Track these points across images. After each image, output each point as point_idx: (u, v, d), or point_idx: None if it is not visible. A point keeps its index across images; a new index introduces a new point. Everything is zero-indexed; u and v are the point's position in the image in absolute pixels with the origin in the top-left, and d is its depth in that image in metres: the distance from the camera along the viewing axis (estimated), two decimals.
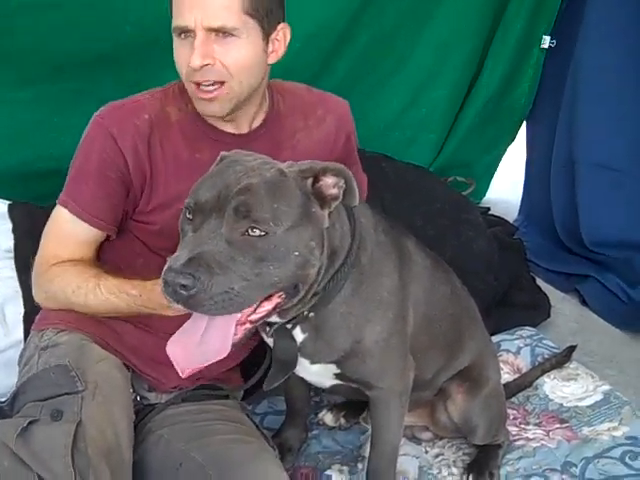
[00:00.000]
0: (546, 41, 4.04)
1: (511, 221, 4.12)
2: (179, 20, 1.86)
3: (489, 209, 4.09)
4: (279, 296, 1.60)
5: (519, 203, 4.44)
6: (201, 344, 1.57)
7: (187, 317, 1.64)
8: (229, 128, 2.03)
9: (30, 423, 1.73)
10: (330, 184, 1.61)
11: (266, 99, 2.09)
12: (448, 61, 4.04)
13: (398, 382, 1.97)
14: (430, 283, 2.05)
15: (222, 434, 1.94)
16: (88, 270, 1.97)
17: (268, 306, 1.61)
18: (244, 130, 2.05)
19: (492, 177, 4.58)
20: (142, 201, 2.00)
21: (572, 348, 2.89)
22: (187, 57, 1.86)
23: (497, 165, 4.55)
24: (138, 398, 2.07)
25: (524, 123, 4.38)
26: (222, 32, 1.84)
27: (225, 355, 1.57)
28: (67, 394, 1.81)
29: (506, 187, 4.66)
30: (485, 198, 4.52)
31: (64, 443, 1.69)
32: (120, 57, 3.03)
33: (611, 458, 2.35)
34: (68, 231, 2.00)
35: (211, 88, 1.89)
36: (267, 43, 1.94)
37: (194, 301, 1.46)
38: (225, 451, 1.86)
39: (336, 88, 3.59)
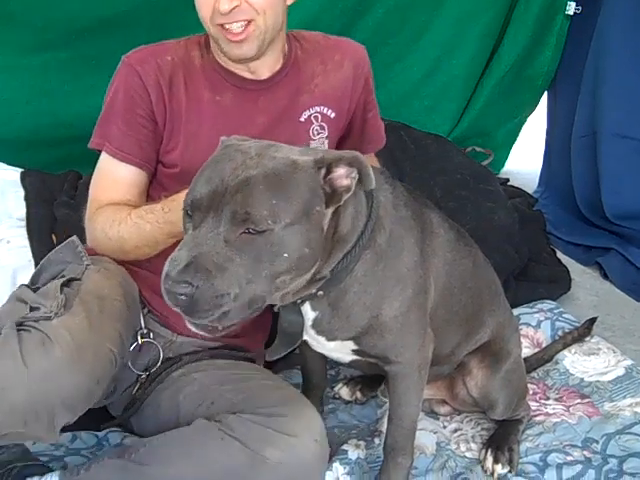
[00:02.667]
0: (571, 7, 3.97)
1: (530, 192, 4.05)
2: None
3: (508, 180, 4.04)
4: None
5: (539, 174, 4.36)
6: None
7: None
8: (249, 75, 2.06)
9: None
10: (343, 174, 1.54)
11: (284, 45, 2.09)
12: (469, 29, 4.00)
13: (417, 356, 1.92)
14: (452, 256, 2.00)
15: (259, 380, 1.96)
16: (124, 207, 2.00)
17: None
18: (264, 76, 2.07)
19: (512, 147, 4.52)
20: (165, 138, 2.03)
21: (593, 320, 2.84)
22: (210, 2, 1.88)
23: (517, 135, 4.50)
24: (151, 335, 2.07)
25: (545, 93, 4.29)
26: None
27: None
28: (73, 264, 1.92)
29: (526, 158, 4.57)
30: (504, 169, 4.46)
31: (57, 283, 1.82)
32: (132, 21, 2.99)
33: (633, 434, 2.29)
34: (107, 173, 2.05)
35: (239, 29, 1.91)
36: None
37: (192, 308, 1.43)
38: (260, 393, 1.88)
39: None
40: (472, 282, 2.09)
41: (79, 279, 1.86)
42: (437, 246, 1.93)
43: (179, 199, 1.76)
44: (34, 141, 3.15)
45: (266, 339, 2.28)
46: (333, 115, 2.15)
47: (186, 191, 1.59)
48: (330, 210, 1.56)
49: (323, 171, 1.53)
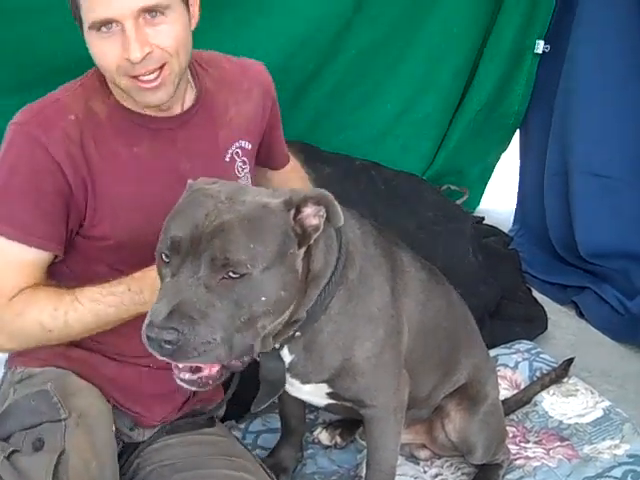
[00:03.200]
0: (540, 46, 3.99)
1: (506, 231, 4.07)
2: (100, 11, 1.63)
3: (483, 218, 4.04)
4: None
5: (513, 213, 4.38)
6: None
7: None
8: (161, 113, 1.86)
9: (12, 452, 1.68)
10: (311, 213, 1.53)
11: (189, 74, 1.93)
12: (441, 68, 4.00)
13: (392, 399, 1.91)
14: (425, 296, 1.99)
15: (217, 468, 1.89)
16: (56, 289, 1.77)
17: None
18: (176, 111, 1.89)
19: (486, 185, 4.53)
20: (88, 212, 1.80)
21: (570, 361, 2.84)
22: (117, 51, 1.67)
23: (491, 173, 4.50)
24: (121, 438, 1.96)
25: (517, 131, 4.33)
26: (151, 12, 1.66)
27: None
28: (49, 422, 1.74)
29: (500, 196, 4.59)
30: (479, 207, 4.46)
31: (44, 473, 1.64)
32: None
33: (613, 478, 2.30)
34: (12, 258, 1.75)
35: (153, 76, 1.71)
36: (188, 10, 1.79)
37: (179, 354, 1.41)
38: None
39: (328, 94, 3.63)
40: (447, 322, 2.09)
41: (62, 451, 1.68)
42: (409, 285, 1.92)
43: (150, 277, 1.69)
44: None
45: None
46: (250, 146, 2.06)
47: (151, 268, 1.59)
48: (302, 250, 1.55)
49: (292, 212, 1.52)
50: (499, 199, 4.59)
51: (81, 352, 1.92)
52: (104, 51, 1.69)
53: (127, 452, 1.96)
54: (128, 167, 1.82)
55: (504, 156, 4.45)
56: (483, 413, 2.19)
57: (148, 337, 1.41)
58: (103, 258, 1.85)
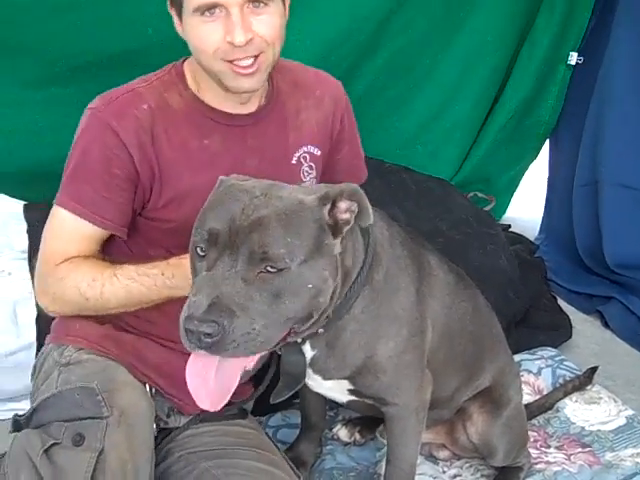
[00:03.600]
0: (573, 57, 3.97)
1: (531, 239, 4.05)
2: None
3: (510, 226, 4.03)
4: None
5: (540, 222, 4.36)
6: (217, 379, 1.53)
7: None
8: (235, 109, 1.93)
9: (52, 445, 1.72)
10: (343, 209, 1.55)
11: None
12: (473, 75, 4.00)
13: (414, 398, 1.91)
14: (451, 299, 1.99)
15: (245, 459, 1.90)
16: (101, 262, 1.87)
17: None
18: (252, 109, 1.95)
19: (513, 194, 4.51)
20: (153, 197, 1.88)
21: (594, 369, 2.82)
22: (219, 35, 1.74)
23: (518, 182, 4.48)
24: (157, 423, 1.98)
25: (547, 141, 4.31)
26: (255, 3, 1.74)
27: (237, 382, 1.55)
28: (90, 418, 1.77)
29: (527, 205, 4.57)
30: (505, 216, 4.45)
31: (83, 473, 1.68)
32: (140, 60, 2.98)
33: None
34: (72, 230, 1.86)
35: (249, 62, 1.77)
36: (284, 5, 1.86)
37: (218, 347, 1.42)
38: (249, 479, 1.83)
39: (360, 98, 3.62)
40: (472, 326, 2.08)
41: (102, 450, 1.72)
42: (435, 288, 1.92)
43: (183, 265, 1.74)
44: (37, 174, 3.13)
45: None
46: (319, 153, 2.08)
47: (186, 256, 1.62)
48: (338, 240, 1.55)
49: (328, 207, 1.53)
50: (525, 207, 4.57)
51: (130, 337, 1.97)
52: (206, 33, 1.76)
53: (160, 437, 1.98)
54: (197, 157, 1.89)
55: (531, 165, 4.44)
56: (506, 417, 2.19)
57: (187, 330, 1.42)
58: (162, 241, 1.92)
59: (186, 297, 1.48)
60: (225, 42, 1.74)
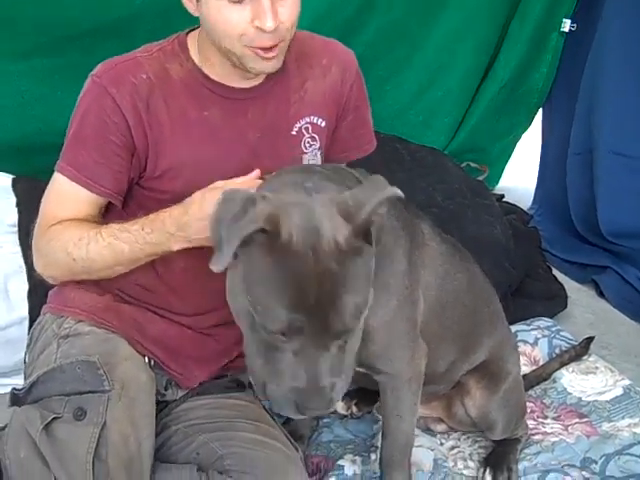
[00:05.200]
0: (566, 24, 3.93)
1: (525, 209, 4.03)
2: None
3: (503, 196, 4.01)
4: None
5: (533, 191, 4.34)
6: None
7: (197, 261, 1.69)
8: (239, 84, 1.90)
9: (53, 419, 1.71)
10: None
11: None
12: (465, 44, 3.97)
13: (407, 368, 1.89)
14: (444, 270, 1.97)
15: (243, 431, 1.90)
16: (89, 223, 1.85)
17: None
18: (255, 82, 1.92)
19: (506, 164, 4.49)
20: (149, 166, 1.87)
21: (590, 339, 2.81)
22: (246, 19, 1.70)
23: (512, 151, 4.46)
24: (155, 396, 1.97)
25: (540, 109, 4.28)
26: None
27: None
28: (92, 392, 1.76)
29: (520, 174, 4.55)
30: (498, 185, 4.43)
31: (86, 447, 1.68)
32: (129, 29, 2.94)
33: (632, 455, 2.28)
34: (69, 196, 1.86)
35: (271, 45, 1.75)
36: None
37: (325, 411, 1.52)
38: (247, 451, 1.81)
39: None
40: (467, 299, 2.06)
41: (104, 424, 1.72)
42: (427, 258, 1.90)
43: (161, 219, 1.75)
44: (25, 147, 3.09)
45: None
46: (323, 124, 2.04)
47: (164, 210, 1.70)
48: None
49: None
50: (519, 177, 4.55)
51: (130, 308, 1.96)
52: (232, 16, 1.71)
53: (157, 410, 1.95)
54: (195, 129, 1.87)
55: (524, 134, 4.41)
56: (504, 390, 2.17)
57: (299, 411, 1.47)
58: (156, 209, 1.87)
59: (177, 257, 1.70)
60: (251, 27, 1.71)
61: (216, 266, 1.37)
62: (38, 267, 1.93)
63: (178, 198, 1.79)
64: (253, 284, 1.41)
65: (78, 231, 1.82)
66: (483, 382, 2.16)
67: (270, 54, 1.76)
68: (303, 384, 1.42)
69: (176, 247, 1.77)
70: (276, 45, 1.75)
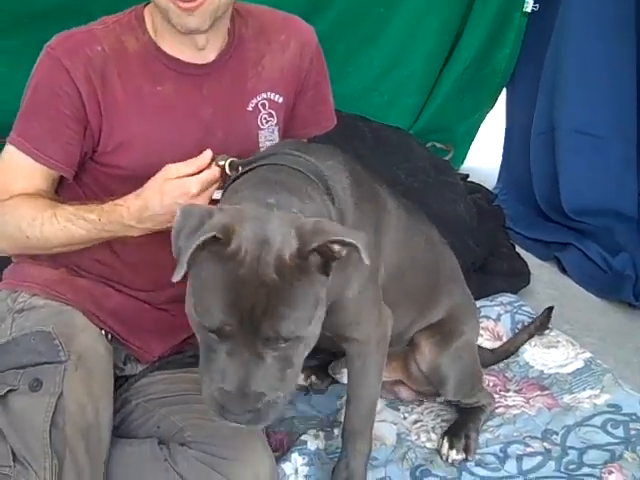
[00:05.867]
0: (529, 4, 3.96)
1: (490, 189, 4.04)
2: None
3: (468, 176, 4.03)
4: None
5: (497, 171, 4.37)
6: None
7: (152, 238, 1.76)
8: (193, 58, 1.88)
9: (8, 392, 1.70)
10: (336, 250, 1.47)
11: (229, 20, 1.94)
12: (428, 24, 3.98)
13: (374, 331, 1.90)
14: (403, 234, 1.98)
15: (202, 404, 1.86)
16: (43, 200, 1.83)
17: None
18: (210, 58, 1.90)
19: (471, 143, 4.51)
20: (102, 140, 1.85)
21: (550, 309, 2.83)
22: None
23: (476, 131, 4.48)
24: (113, 371, 1.96)
25: (504, 89, 4.30)
26: None
27: None
28: (47, 363, 1.74)
29: (484, 154, 4.57)
30: (463, 166, 4.44)
31: (42, 418, 1.67)
32: (86, 8, 2.90)
33: (592, 426, 2.30)
34: (18, 167, 1.84)
35: None
36: None
37: (254, 424, 1.48)
38: (207, 422, 1.78)
39: None
40: (425, 260, 2.09)
41: (60, 394, 1.70)
42: (388, 224, 1.91)
43: (119, 212, 1.75)
44: None
45: None
46: (281, 100, 2.03)
47: (119, 203, 1.70)
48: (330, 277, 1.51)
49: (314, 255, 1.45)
50: (483, 157, 4.57)
51: (86, 282, 1.95)
52: None
53: (116, 386, 1.96)
54: (148, 103, 1.85)
55: (488, 114, 4.44)
56: (455, 348, 2.19)
57: (223, 417, 1.46)
58: (111, 187, 1.88)
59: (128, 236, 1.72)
60: None
61: (175, 277, 1.39)
62: None
63: (132, 174, 1.80)
64: (197, 287, 1.45)
65: (32, 210, 1.80)
66: (434, 338, 2.18)
67: (187, 4, 1.71)
68: (230, 387, 1.42)
69: (136, 234, 1.78)
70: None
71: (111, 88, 1.82)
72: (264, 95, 2.00)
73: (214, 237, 1.38)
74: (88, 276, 1.96)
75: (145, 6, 1.90)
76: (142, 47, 1.86)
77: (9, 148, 1.85)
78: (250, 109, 1.99)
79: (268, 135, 2.02)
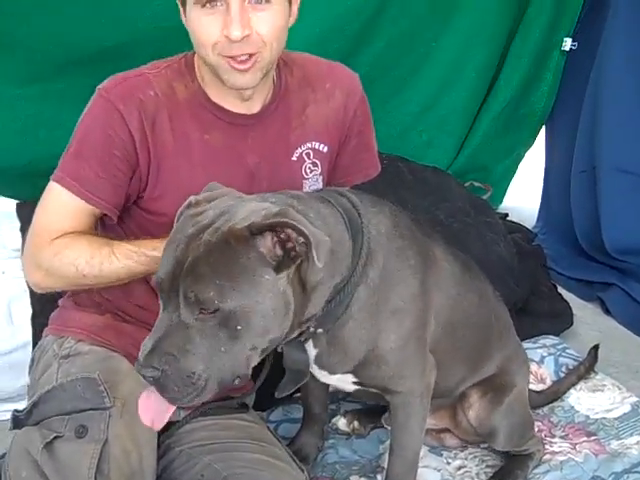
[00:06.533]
0: (567, 43, 3.95)
1: (529, 228, 4.02)
2: None
3: (507, 215, 4.00)
4: None
5: (537, 210, 4.35)
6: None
7: None
8: (239, 109, 1.92)
9: (54, 438, 1.70)
10: (290, 238, 1.46)
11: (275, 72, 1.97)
12: (467, 63, 3.97)
13: (418, 385, 1.89)
14: (456, 291, 1.97)
15: (247, 452, 1.88)
16: (98, 238, 1.86)
17: None
18: (256, 109, 1.93)
19: (510, 183, 4.48)
20: (149, 185, 1.88)
21: (596, 347, 2.80)
22: (217, 28, 1.73)
23: (515, 170, 4.45)
24: None
25: (543, 128, 4.29)
26: None
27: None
28: (93, 409, 1.76)
29: (524, 194, 4.55)
30: (502, 205, 4.42)
31: (88, 465, 1.68)
32: (132, 53, 2.94)
33: None
34: (66, 207, 1.86)
35: (244, 58, 1.76)
36: (290, 6, 1.84)
37: (161, 389, 1.48)
38: (252, 471, 1.79)
39: None
40: (478, 317, 2.06)
41: (105, 441, 1.72)
42: (440, 280, 1.89)
43: None
44: (30, 172, 3.08)
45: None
46: (325, 149, 2.05)
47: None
48: (283, 274, 1.49)
49: (264, 238, 1.46)
50: (522, 196, 4.54)
51: (130, 327, 1.97)
52: (205, 26, 1.75)
53: (160, 431, 1.95)
54: (196, 151, 1.89)
55: (527, 153, 4.40)
56: (507, 403, 2.16)
57: (137, 371, 1.48)
58: (155, 234, 1.88)
59: None
60: (223, 36, 1.72)
61: None
62: (35, 277, 1.91)
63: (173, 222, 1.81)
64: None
65: (89, 248, 1.81)
66: (487, 396, 2.16)
67: (242, 66, 1.76)
68: (147, 341, 1.47)
69: None
70: (250, 58, 1.76)
71: (161, 134, 1.85)
72: (309, 144, 2.02)
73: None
74: (132, 321, 1.97)
75: (195, 53, 1.92)
76: (191, 95, 1.89)
77: (54, 186, 1.86)
78: (295, 158, 2.01)
79: (312, 184, 2.03)
